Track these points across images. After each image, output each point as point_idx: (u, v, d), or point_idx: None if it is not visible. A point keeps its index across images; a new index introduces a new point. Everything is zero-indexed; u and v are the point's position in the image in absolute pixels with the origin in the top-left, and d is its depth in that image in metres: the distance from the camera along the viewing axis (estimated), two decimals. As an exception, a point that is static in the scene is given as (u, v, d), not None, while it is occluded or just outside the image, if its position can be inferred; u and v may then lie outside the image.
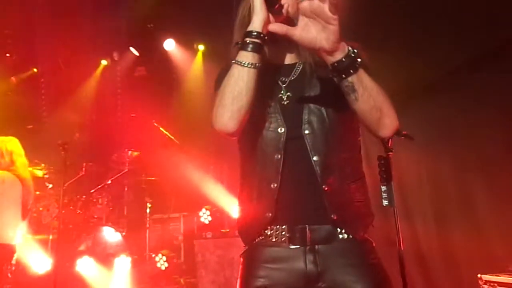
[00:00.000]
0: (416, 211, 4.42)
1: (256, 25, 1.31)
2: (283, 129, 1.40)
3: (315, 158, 1.37)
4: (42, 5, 5.42)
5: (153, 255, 4.83)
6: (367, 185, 1.51)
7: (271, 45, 1.35)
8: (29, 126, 5.89)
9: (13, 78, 6.19)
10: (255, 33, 1.30)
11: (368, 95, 1.28)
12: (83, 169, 5.18)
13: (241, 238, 1.50)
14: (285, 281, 1.38)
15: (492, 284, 3.08)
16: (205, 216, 5.15)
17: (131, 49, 6.38)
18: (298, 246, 1.37)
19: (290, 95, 1.42)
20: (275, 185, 1.38)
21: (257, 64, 1.31)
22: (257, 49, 1.31)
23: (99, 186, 5.20)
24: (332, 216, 1.36)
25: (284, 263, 1.38)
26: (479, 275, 3.20)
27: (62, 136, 4.95)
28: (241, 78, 1.31)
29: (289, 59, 1.48)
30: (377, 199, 2.69)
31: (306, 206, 1.39)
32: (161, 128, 5.39)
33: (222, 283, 4.39)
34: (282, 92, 1.44)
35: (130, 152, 5.36)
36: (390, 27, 4.14)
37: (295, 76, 1.45)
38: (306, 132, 1.38)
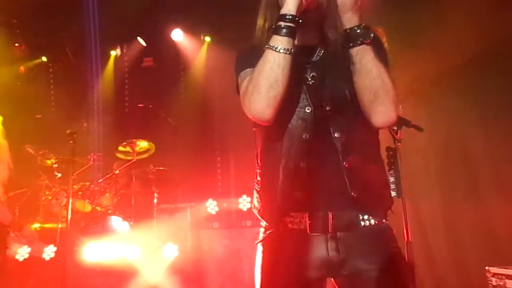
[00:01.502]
0: (423, 202, 4.40)
1: (290, 7, 1.29)
2: (310, 109, 1.39)
3: (336, 135, 1.37)
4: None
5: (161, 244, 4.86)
6: (386, 170, 1.52)
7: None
8: (38, 116, 5.92)
9: (21, 68, 6.21)
10: (290, 17, 1.28)
11: (365, 74, 1.30)
12: (91, 158, 5.20)
13: (266, 220, 1.47)
14: (307, 269, 1.36)
15: (500, 276, 3.06)
16: (211, 207, 5.16)
17: (139, 39, 6.37)
18: (319, 234, 1.36)
19: (315, 75, 1.43)
20: (304, 164, 1.37)
21: (291, 50, 1.30)
22: (291, 33, 1.29)
23: (107, 176, 5.22)
24: (352, 193, 1.34)
25: (305, 251, 1.36)
26: (487, 268, 3.19)
27: (71, 126, 4.98)
28: (276, 64, 1.29)
29: (313, 40, 1.46)
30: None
31: (329, 187, 1.37)
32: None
33: (228, 274, 4.41)
34: (307, 72, 1.43)
35: (138, 142, 5.36)
36: (396, 20, 4.10)
37: (319, 57, 1.45)
38: (328, 108, 1.38)
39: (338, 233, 1.35)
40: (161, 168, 5.33)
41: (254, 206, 1.53)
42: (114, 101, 6.65)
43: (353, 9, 1.30)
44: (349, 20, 1.31)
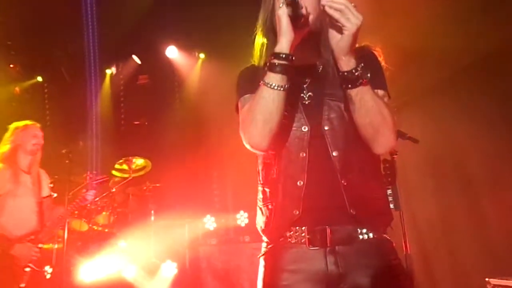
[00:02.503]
0: (421, 214, 4.40)
1: (284, 46, 1.32)
2: (306, 128, 1.42)
3: (334, 154, 1.39)
4: (43, 15, 5.45)
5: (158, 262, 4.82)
6: (385, 184, 1.53)
7: (298, 31, 1.35)
8: (33, 135, 5.90)
9: (16, 89, 6.22)
10: (284, 55, 1.32)
11: (365, 112, 1.32)
12: (87, 177, 5.17)
13: (267, 237, 1.50)
14: (306, 283, 1.37)
15: (500, 288, 3.05)
16: (209, 223, 5.14)
17: (134, 57, 6.41)
18: (318, 248, 1.38)
19: (312, 94, 1.46)
20: (302, 182, 1.40)
21: (286, 86, 1.34)
22: (285, 71, 1.33)
23: (104, 194, 5.19)
24: (351, 211, 1.36)
25: (304, 265, 1.38)
26: (487, 279, 3.17)
27: (66, 145, 4.97)
28: (271, 101, 1.34)
29: (310, 59, 1.48)
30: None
31: (328, 204, 1.39)
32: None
33: (227, 290, 4.37)
34: (304, 92, 1.47)
35: (134, 159, 5.35)
36: (393, 27, 4.15)
37: (316, 76, 1.48)
38: (326, 128, 1.41)
39: (337, 247, 1.36)
40: (157, 184, 5.31)
41: (257, 222, 1.56)
42: (110, 119, 6.66)
43: (350, 53, 1.30)
44: (346, 63, 1.31)
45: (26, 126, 3.90)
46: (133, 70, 6.62)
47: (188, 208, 5.66)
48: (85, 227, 4.84)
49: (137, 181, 5.35)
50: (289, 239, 1.41)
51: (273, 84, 1.32)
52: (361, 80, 1.30)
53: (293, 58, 1.32)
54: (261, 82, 1.35)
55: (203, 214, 5.24)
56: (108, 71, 6.79)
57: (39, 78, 6.47)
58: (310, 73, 1.48)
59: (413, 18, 4.21)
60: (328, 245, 1.36)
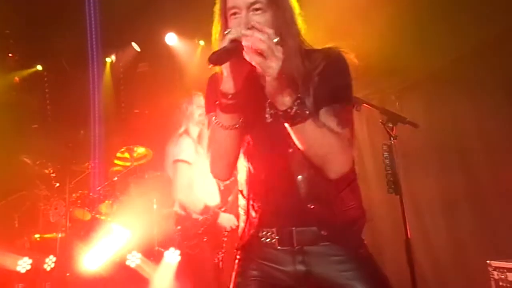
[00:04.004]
0: (423, 198, 4.39)
1: (230, 86, 1.29)
2: (267, 149, 1.41)
3: (299, 177, 1.38)
4: (42, 3, 5.41)
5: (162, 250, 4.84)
6: (359, 185, 1.51)
7: (243, 62, 1.27)
8: (34, 126, 5.91)
9: (16, 78, 6.20)
10: (231, 95, 1.29)
11: (308, 146, 1.29)
12: (89, 166, 5.19)
13: (239, 240, 1.56)
14: (277, 278, 1.42)
15: (501, 270, 3.06)
16: (211, 211, 5.13)
17: (133, 44, 6.36)
18: (287, 247, 1.41)
19: (273, 112, 1.39)
20: (259, 204, 1.43)
21: (237, 124, 1.34)
22: (234, 109, 1.31)
23: (106, 183, 5.21)
24: (322, 232, 1.38)
25: (274, 263, 1.43)
26: (488, 262, 3.18)
27: (67, 135, 4.98)
28: (223, 139, 1.37)
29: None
30: (383, 187, 2.67)
31: (293, 217, 1.41)
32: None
33: (230, 277, 4.39)
34: (266, 110, 1.42)
35: (135, 148, 5.35)
36: (395, 13, 4.10)
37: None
38: (290, 150, 1.37)
39: (305, 247, 1.40)
40: (159, 173, 5.31)
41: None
42: (110, 107, 6.64)
43: (281, 93, 1.22)
44: (281, 103, 1.23)
45: (191, 97, 3.82)
46: (132, 57, 6.57)
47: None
48: (88, 216, 4.87)
49: (139, 169, 5.36)
50: (261, 239, 1.45)
51: (223, 124, 1.33)
52: (298, 118, 1.23)
53: (241, 94, 1.29)
54: (213, 120, 1.36)
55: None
56: (108, 60, 6.75)
57: (39, 67, 6.43)
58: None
59: (417, 1, 4.16)
60: (295, 245, 1.39)
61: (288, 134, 1.33)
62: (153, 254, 4.81)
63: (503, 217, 3.81)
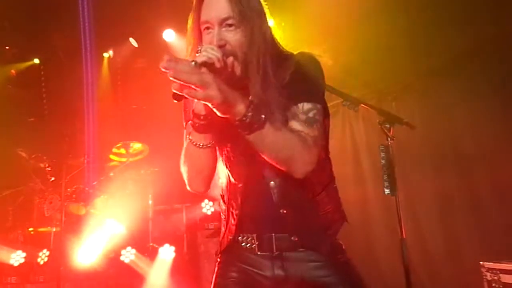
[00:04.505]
0: (417, 199, 4.42)
1: (200, 107, 1.27)
2: (242, 158, 1.42)
3: (271, 184, 1.40)
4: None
5: (156, 246, 4.85)
6: (337, 188, 1.53)
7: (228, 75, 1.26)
8: (31, 119, 5.88)
9: (13, 71, 6.17)
10: (203, 116, 1.28)
11: (268, 152, 1.26)
12: (85, 161, 5.17)
13: (220, 243, 1.58)
14: (255, 280, 1.44)
15: (494, 271, 3.07)
16: (207, 207, 5.16)
17: (131, 40, 6.34)
18: (267, 253, 1.43)
19: None
20: (237, 212, 1.45)
21: (210, 142, 1.34)
22: (207, 129, 1.31)
23: (101, 178, 5.20)
24: (293, 238, 1.40)
25: (253, 268, 1.45)
26: (481, 263, 3.20)
27: (64, 129, 4.95)
28: (198, 157, 1.38)
29: (239, 88, 1.36)
30: (379, 187, 2.69)
31: (269, 223, 1.43)
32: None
33: (225, 273, 4.40)
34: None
35: (131, 143, 5.35)
36: (391, 14, 4.12)
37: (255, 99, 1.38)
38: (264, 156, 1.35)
39: (284, 253, 1.42)
40: (155, 169, 5.31)
41: None
42: (107, 102, 6.62)
43: (234, 106, 1.15)
44: (234, 114, 1.17)
45: None
46: (130, 53, 6.55)
47: (186, 192, 5.66)
48: (82, 210, 4.86)
49: (135, 165, 5.35)
50: (242, 244, 1.47)
51: (198, 143, 1.34)
52: (255, 125, 1.18)
53: (213, 114, 1.23)
54: (188, 137, 1.37)
55: (201, 199, 5.25)
56: (106, 55, 6.73)
57: (36, 60, 6.40)
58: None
59: (415, 2, 4.18)
60: (275, 251, 1.41)
61: None
62: (147, 250, 4.82)
63: (497, 218, 3.84)
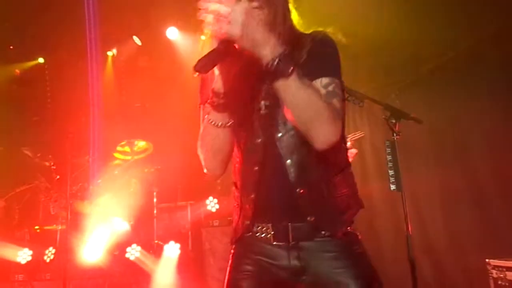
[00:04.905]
0: (423, 196, 4.40)
1: (219, 85, 1.30)
2: (259, 140, 1.41)
3: (288, 162, 1.38)
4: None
5: (161, 243, 4.86)
6: (353, 173, 1.51)
7: (231, 60, 1.26)
8: (35, 118, 5.90)
9: (17, 71, 6.19)
10: (222, 94, 1.30)
11: (292, 107, 1.25)
12: (90, 159, 5.19)
13: (232, 233, 1.56)
14: (271, 272, 1.42)
15: (500, 269, 3.06)
16: (212, 205, 5.16)
17: (134, 38, 6.34)
18: (282, 243, 1.41)
19: (268, 104, 1.40)
20: (253, 195, 1.42)
21: (229, 122, 1.35)
22: (227, 107, 1.32)
23: (106, 176, 5.22)
24: (309, 218, 1.38)
25: (270, 258, 1.43)
26: (487, 260, 3.19)
27: (68, 127, 4.96)
28: (216, 137, 1.38)
29: (257, 66, 1.35)
30: (384, 183, 2.68)
31: (285, 209, 1.41)
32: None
33: (230, 271, 4.41)
34: (260, 102, 1.42)
35: (136, 141, 5.36)
36: (396, 8, 4.10)
37: (269, 85, 1.38)
38: (279, 135, 1.38)
39: (300, 243, 1.40)
40: (159, 167, 5.32)
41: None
42: (111, 101, 6.63)
43: (260, 44, 1.17)
44: (264, 56, 1.18)
45: None
46: (133, 51, 6.55)
47: (190, 190, 5.68)
48: (88, 208, 4.87)
49: (139, 163, 5.36)
50: (256, 234, 1.45)
51: (217, 123, 1.34)
52: (280, 73, 1.18)
53: (232, 96, 1.29)
54: (206, 117, 1.37)
55: (205, 196, 5.26)
56: (109, 53, 6.74)
57: (41, 60, 6.42)
58: (264, 82, 1.40)
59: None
60: (291, 241, 1.40)
61: (279, 120, 1.36)
62: (152, 247, 4.83)
63: (503, 215, 3.83)
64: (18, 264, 4.33)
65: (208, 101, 1.34)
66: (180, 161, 5.76)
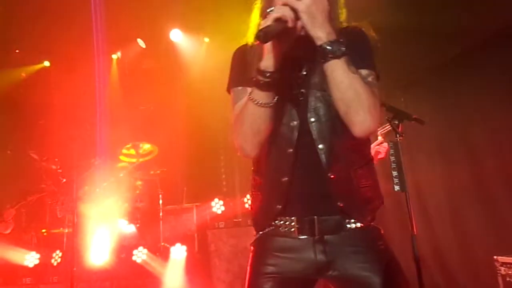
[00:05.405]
0: (429, 195, 4.39)
1: (269, 63, 1.31)
2: (295, 122, 1.41)
3: (320, 146, 1.39)
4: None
5: (168, 246, 4.88)
6: (375, 168, 1.53)
7: (284, 40, 1.31)
8: (41, 121, 5.94)
9: (23, 74, 6.23)
10: (268, 73, 1.31)
11: (335, 87, 1.30)
12: (95, 162, 5.22)
13: (254, 227, 1.54)
14: (294, 270, 1.41)
15: (508, 265, 3.05)
16: (217, 206, 5.17)
17: (138, 40, 6.37)
18: (307, 237, 1.40)
19: (303, 91, 1.43)
20: (286, 178, 1.41)
21: (272, 102, 1.34)
22: (270, 87, 1.33)
23: (112, 179, 5.24)
24: (339, 203, 1.38)
25: (293, 253, 1.41)
26: (495, 257, 3.17)
27: (74, 130, 5.00)
28: (258, 116, 1.36)
29: (303, 53, 1.43)
30: (389, 184, 2.67)
31: (314, 196, 1.41)
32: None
33: (236, 272, 4.42)
34: (295, 89, 1.44)
35: (141, 144, 5.38)
36: (396, 8, 4.08)
37: (308, 70, 1.45)
38: (312, 120, 1.40)
39: (325, 236, 1.39)
40: (165, 169, 5.34)
41: (251, 207, 1.60)
42: (116, 104, 6.66)
43: (319, 25, 1.28)
44: (318, 37, 1.29)
45: None
46: (138, 54, 6.58)
47: (196, 192, 5.69)
48: (94, 211, 4.90)
49: (145, 166, 5.38)
50: (279, 228, 1.44)
51: (259, 102, 1.34)
52: (332, 55, 1.28)
53: (278, 73, 1.31)
54: (248, 96, 1.36)
55: (211, 198, 5.27)
56: (114, 56, 6.77)
57: (46, 63, 6.47)
58: (303, 68, 1.45)
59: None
60: (317, 234, 1.39)
61: (313, 106, 1.39)
62: (158, 250, 4.85)
63: (509, 212, 3.80)
64: (26, 267, 4.37)
65: (253, 79, 1.35)
66: (185, 163, 5.78)
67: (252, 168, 1.56)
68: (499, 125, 3.92)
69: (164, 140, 5.59)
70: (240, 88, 1.49)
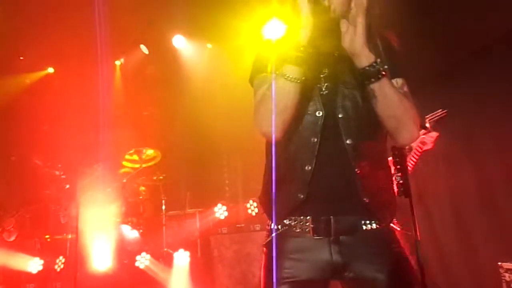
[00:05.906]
0: (432, 200, 4.37)
1: (304, 36, 1.33)
2: (321, 113, 1.42)
3: (348, 141, 1.39)
4: (50, 7, 5.45)
5: (171, 251, 4.87)
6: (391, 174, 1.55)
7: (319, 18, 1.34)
8: (44, 128, 5.96)
9: (27, 81, 6.27)
10: (302, 48, 1.33)
11: (386, 105, 1.33)
12: (99, 168, 5.22)
13: (269, 216, 1.50)
14: (311, 271, 1.39)
15: (513, 272, 3.03)
16: (220, 212, 5.17)
17: (141, 47, 6.40)
18: (322, 237, 1.39)
19: (329, 85, 1.44)
20: (309, 167, 1.40)
21: (302, 78, 1.35)
22: (303, 63, 1.34)
23: (115, 185, 5.24)
24: (365, 199, 1.37)
25: (309, 254, 1.40)
26: (499, 263, 3.15)
27: (77, 136, 5.01)
28: (287, 93, 1.35)
29: (329, 47, 1.45)
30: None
31: (335, 190, 1.40)
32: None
33: (239, 278, 4.41)
34: (321, 82, 1.45)
35: (144, 150, 5.39)
36: (402, 12, 4.08)
37: (333, 65, 1.46)
38: (340, 116, 1.41)
39: (341, 237, 1.38)
40: (167, 175, 5.34)
41: (261, 201, 1.56)
42: (119, 109, 6.68)
43: (363, 49, 1.31)
44: (360, 61, 1.32)
45: None
46: (141, 60, 6.61)
47: (199, 197, 5.69)
48: (97, 217, 4.90)
49: (148, 171, 5.39)
50: (293, 228, 1.42)
51: (290, 76, 1.33)
52: (377, 75, 1.31)
53: (312, 50, 1.34)
54: (278, 72, 1.37)
55: (214, 203, 5.27)
56: (117, 62, 6.80)
57: (50, 70, 6.50)
58: (328, 62, 1.46)
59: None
60: (332, 235, 1.38)
61: (339, 101, 1.41)
62: (162, 256, 4.84)
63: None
64: (29, 273, 4.37)
65: (287, 54, 1.36)
66: (188, 168, 5.78)
67: (268, 158, 1.52)
68: (504, 130, 3.90)
69: (167, 145, 5.60)
70: (263, 74, 1.50)
